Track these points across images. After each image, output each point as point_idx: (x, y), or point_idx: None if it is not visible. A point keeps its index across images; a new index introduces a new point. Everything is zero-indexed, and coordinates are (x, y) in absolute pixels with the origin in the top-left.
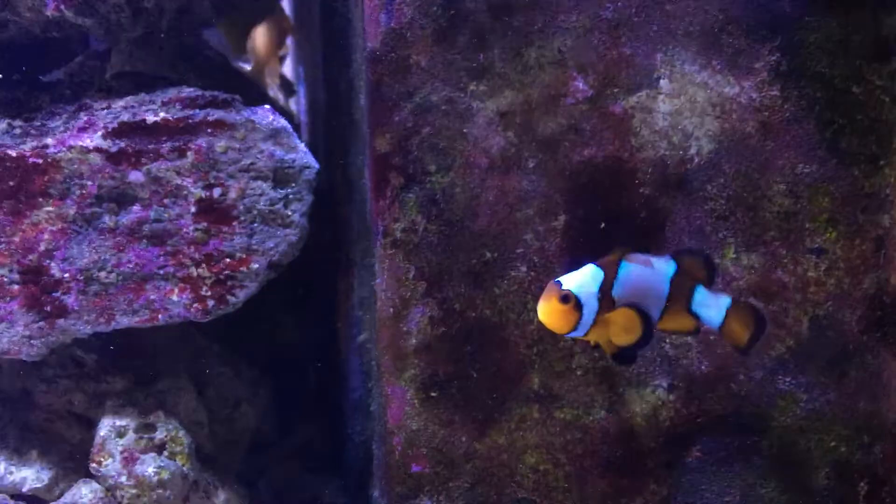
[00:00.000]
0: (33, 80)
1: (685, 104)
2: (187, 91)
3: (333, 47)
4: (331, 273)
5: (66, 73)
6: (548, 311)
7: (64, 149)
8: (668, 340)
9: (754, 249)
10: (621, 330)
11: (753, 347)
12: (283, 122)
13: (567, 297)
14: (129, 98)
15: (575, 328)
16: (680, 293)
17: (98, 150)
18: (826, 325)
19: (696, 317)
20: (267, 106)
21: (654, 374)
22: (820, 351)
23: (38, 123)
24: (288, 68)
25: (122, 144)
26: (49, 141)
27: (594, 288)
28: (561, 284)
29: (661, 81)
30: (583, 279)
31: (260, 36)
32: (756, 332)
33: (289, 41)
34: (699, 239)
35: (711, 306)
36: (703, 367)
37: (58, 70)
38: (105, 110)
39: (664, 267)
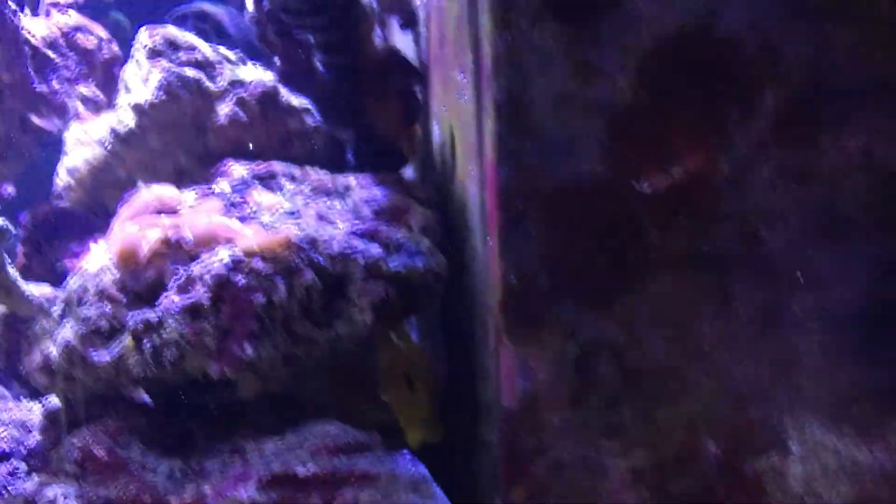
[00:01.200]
0: (186, 412)
1: (817, 468)
2: (332, 435)
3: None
4: None
5: (212, 402)
6: None
7: (221, 500)
8: None
9: None
10: None
11: None
12: (422, 470)
13: None
14: (277, 440)
15: None
16: None
17: (253, 502)
18: None
19: None
20: (406, 452)
21: None
22: None
23: (196, 466)
24: None
25: (275, 496)
26: (207, 490)
27: None
28: None
29: (792, 445)
30: None
31: None
32: None
33: None
34: None
35: None
36: None
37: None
38: (257, 454)
39: None
